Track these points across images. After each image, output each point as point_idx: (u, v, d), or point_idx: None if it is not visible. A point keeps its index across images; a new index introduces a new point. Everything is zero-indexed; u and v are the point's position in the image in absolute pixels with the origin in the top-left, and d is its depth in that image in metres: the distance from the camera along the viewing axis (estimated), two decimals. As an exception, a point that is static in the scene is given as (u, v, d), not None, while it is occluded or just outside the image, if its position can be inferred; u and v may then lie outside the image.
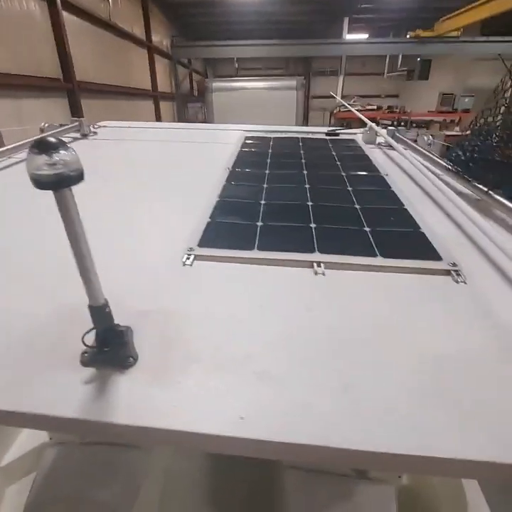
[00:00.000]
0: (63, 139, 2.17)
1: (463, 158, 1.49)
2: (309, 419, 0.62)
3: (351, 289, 0.94)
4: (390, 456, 0.58)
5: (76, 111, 7.74)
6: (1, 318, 0.81)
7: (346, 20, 15.05)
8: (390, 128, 2.35)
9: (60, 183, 0.52)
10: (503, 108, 1.44)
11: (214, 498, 1.78)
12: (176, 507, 1.74)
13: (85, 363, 0.70)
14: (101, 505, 1.41)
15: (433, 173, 1.53)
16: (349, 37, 15.29)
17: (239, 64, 20.18)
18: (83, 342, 0.69)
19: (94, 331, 0.69)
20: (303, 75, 16.19)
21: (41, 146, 0.51)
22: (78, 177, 0.54)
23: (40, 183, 0.52)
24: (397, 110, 15.88)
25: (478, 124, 1.51)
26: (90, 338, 0.70)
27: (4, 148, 1.81)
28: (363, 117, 2.66)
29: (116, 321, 0.71)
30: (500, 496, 1.63)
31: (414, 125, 13.99)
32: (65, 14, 7.41)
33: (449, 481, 1.62)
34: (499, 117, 1.45)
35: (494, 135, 1.47)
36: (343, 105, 14.86)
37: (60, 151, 0.52)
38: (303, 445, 0.59)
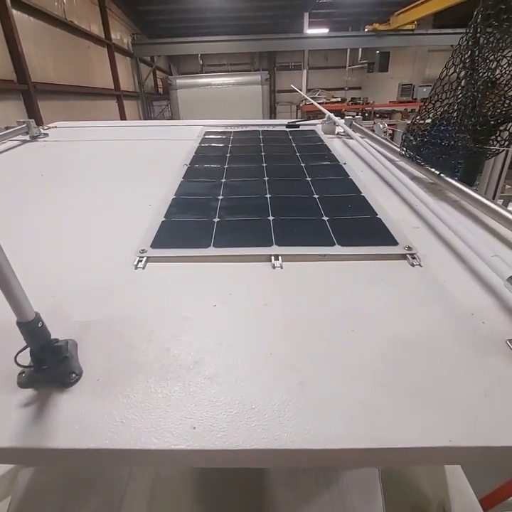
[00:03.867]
0: (11, 141, 2.05)
1: (414, 143, 1.52)
2: (266, 421, 0.59)
3: (309, 281, 0.92)
4: (356, 452, 0.56)
5: (33, 113, 7.40)
6: None
7: (306, 15, 15.21)
8: (347, 117, 2.35)
9: None
10: (445, 94, 1.49)
11: (204, 499, 1.74)
12: (165, 510, 1.69)
13: (23, 383, 0.64)
14: None
15: (388, 159, 1.54)
16: (310, 32, 15.48)
17: (203, 61, 19.92)
18: (16, 362, 0.62)
19: (28, 349, 0.63)
20: (267, 70, 16.18)
21: None
22: None
23: None
24: (361, 102, 16.20)
25: (425, 111, 1.55)
26: (25, 357, 0.64)
27: None
28: (322, 109, 2.66)
29: (55, 335, 0.65)
30: (478, 469, 1.66)
31: (377, 115, 14.37)
32: (15, 13, 7.05)
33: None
34: (444, 102, 1.50)
35: (440, 120, 1.51)
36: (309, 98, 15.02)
37: None
38: (261, 450, 0.56)
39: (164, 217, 1.18)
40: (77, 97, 9.75)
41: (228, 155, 1.81)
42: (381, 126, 2.20)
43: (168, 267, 0.96)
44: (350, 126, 2.22)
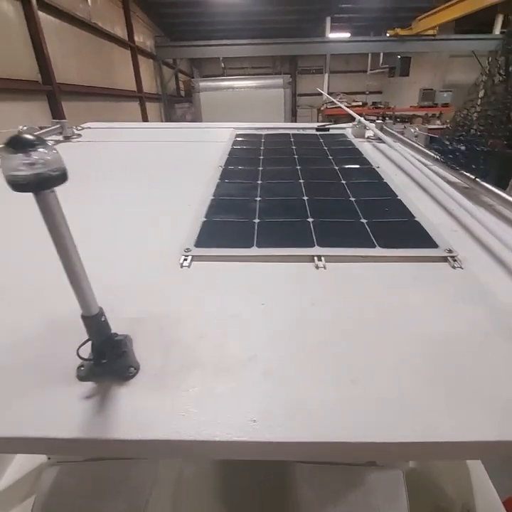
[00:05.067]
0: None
1: (450, 147, 1.51)
2: (318, 415, 0.60)
3: (354, 281, 0.93)
4: (400, 446, 0.58)
5: (57, 114, 7.58)
6: None
7: (328, 19, 15.25)
8: (377, 122, 2.36)
9: (40, 185, 0.47)
10: (480, 100, 1.50)
11: (226, 504, 1.75)
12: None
13: (82, 377, 0.66)
14: None
15: (422, 163, 1.53)
16: (332, 36, 15.53)
17: (225, 63, 20.08)
18: (78, 355, 0.64)
19: (89, 343, 0.65)
20: (289, 74, 16.23)
21: (17, 144, 0.45)
22: (61, 177, 0.48)
23: (18, 185, 0.46)
24: (382, 106, 16.10)
25: (460, 116, 1.55)
26: (86, 350, 0.65)
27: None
28: (351, 112, 2.64)
29: (113, 330, 0.67)
30: (502, 470, 1.65)
31: (398, 120, 14.28)
32: (41, 15, 7.23)
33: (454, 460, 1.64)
34: (479, 109, 1.51)
35: (475, 126, 1.52)
36: (330, 102, 14.99)
37: (39, 149, 0.46)
38: (315, 443, 0.57)
39: (205, 217, 1.20)
40: (100, 99, 9.95)
41: (261, 157, 1.82)
42: (412, 130, 2.18)
43: (212, 266, 0.98)
44: (381, 130, 2.20)
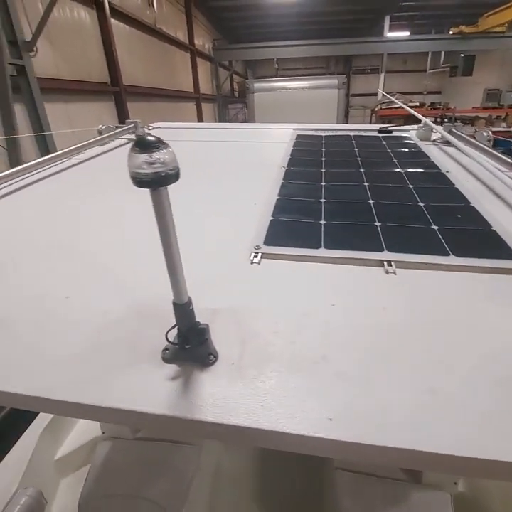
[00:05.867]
0: (119, 140, 2.25)
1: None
2: (391, 420, 0.60)
3: (426, 289, 0.90)
4: (482, 463, 0.55)
5: (122, 113, 8.05)
6: (81, 315, 0.84)
7: (387, 18, 14.81)
8: (446, 124, 2.26)
9: (157, 182, 0.52)
10: None
11: (263, 497, 1.77)
12: (225, 506, 1.74)
13: (167, 359, 0.71)
14: (152, 503, 1.43)
15: (498, 169, 1.45)
16: (390, 35, 15.05)
17: (279, 64, 20.19)
18: (167, 338, 0.70)
19: (175, 329, 0.70)
20: (344, 74, 15.95)
21: (142, 145, 0.51)
22: (175, 176, 0.53)
23: (139, 181, 0.52)
24: (441, 107, 15.32)
25: None
26: (171, 335, 0.71)
27: (64, 150, 1.88)
28: (417, 114, 2.55)
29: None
30: None
31: (458, 121, 13.51)
32: (113, 21, 7.73)
33: (506, 487, 1.54)
34: None
35: None
36: (385, 102, 14.54)
37: (159, 150, 0.51)
38: (392, 448, 0.57)
39: (272, 216, 1.22)
40: (161, 99, 10.42)
41: (323, 159, 1.82)
42: (485, 134, 2.06)
43: (282, 264, 1.00)
44: (450, 132, 2.11)
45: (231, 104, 17.20)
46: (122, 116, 7.96)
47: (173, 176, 0.53)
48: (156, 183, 0.52)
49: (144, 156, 0.50)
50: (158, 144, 0.51)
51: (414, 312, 0.83)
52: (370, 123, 14.93)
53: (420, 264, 0.98)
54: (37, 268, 1.02)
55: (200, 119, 13.14)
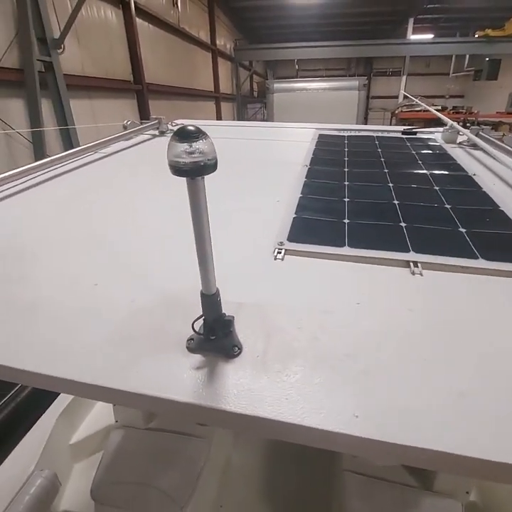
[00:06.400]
0: (143, 135, 2.27)
1: None
2: (417, 421, 0.59)
3: (454, 292, 0.89)
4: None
5: (144, 111, 8.17)
6: (109, 302, 0.86)
7: (411, 20, 14.62)
8: (473, 127, 2.21)
9: (196, 171, 0.53)
10: None
11: (270, 493, 1.78)
12: (233, 500, 1.75)
13: (192, 349, 0.72)
14: (161, 492, 1.45)
15: None
16: (413, 37, 14.86)
17: (299, 65, 20.13)
18: (193, 328, 0.71)
19: (201, 319, 0.71)
20: (364, 76, 15.83)
21: (182, 135, 0.52)
22: (213, 166, 0.54)
23: (178, 169, 0.52)
24: (463, 110, 15.03)
25: None
26: (197, 326, 0.71)
27: (91, 143, 1.92)
28: (443, 116, 2.51)
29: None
30: None
31: (481, 126, 13.22)
32: (138, 20, 7.85)
33: None
34: None
35: None
36: (405, 105, 14.35)
37: (199, 140, 0.52)
38: (418, 449, 0.56)
39: (295, 214, 1.22)
40: (182, 98, 10.53)
41: (346, 159, 1.81)
42: (513, 137, 2.02)
43: (305, 261, 1.00)
44: (477, 135, 2.07)
45: (250, 103, 17.25)
46: (144, 114, 8.07)
47: (211, 166, 0.53)
48: (194, 172, 0.53)
49: (184, 146, 0.51)
50: (198, 134, 0.52)
51: (441, 315, 0.81)
52: (390, 125, 14.76)
53: (448, 266, 0.96)
54: (66, 257, 1.04)
55: (218, 118, 13.21)
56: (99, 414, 2.01)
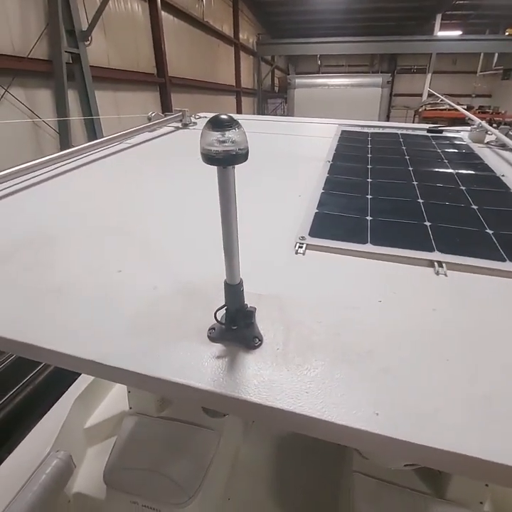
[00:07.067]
0: (167, 127, 2.29)
1: None
2: (439, 421, 0.58)
3: (480, 294, 0.87)
4: None
5: (166, 103, 8.23)
6: (132, 289, 0.87)
7: (438, 16, 14.22)
8: (502, 127, 2.15)
9: (227, 160, 0.53)
10: None
11: (278, 488, 1.78)
12: (241, 492, 1.77)
13: (213, 338, 0.72)
14: (170, 480, 1.47)
15: None
16: (441, 34, 14.45)
17: (322, 61, 19.87)
18: (215, 318, 0.71)
19: (223, 309, 0.71)
20: (388, 72, 15.54)
21: (215, 123, 0.52)
22: (244, 156, 0.54)
23: (210, 158, 0.53)
24: (490, 110, 14.59)
25: None
26: (219, 316, 0.72)
27: (116, 134, 1.94)
28: (471, 115, 2.45)
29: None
30: None
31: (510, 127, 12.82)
32: (163, 14, 7.89)
33: None
34: None
35: None
36: (430, 103, 14.03)
37: (232, 129, 0.52)
38: (440, 450, 0.55)
39: (316, 209, 1.21)
40: (203, 91, 10.56)
41: (369, 155, 1.79)
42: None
43: (326, 257, 0.99)
44: (506, 135, 2.01)
45: (270, 99, 17.17)
46: (166, 106, 8.13)
47: (243, 156, 0.53)
48: (226, 161, 0.53)
49: (217, 134, 0.51)
50: (231, 124, 0.52)
51: (466, 316, 0.80)
52: (413, 123, 14.48)
53: (474, 267, 0.94)
54: (91, 243, 1.07)
55: (239, 112, 13.20)
56: (114, 400, 2.06)
